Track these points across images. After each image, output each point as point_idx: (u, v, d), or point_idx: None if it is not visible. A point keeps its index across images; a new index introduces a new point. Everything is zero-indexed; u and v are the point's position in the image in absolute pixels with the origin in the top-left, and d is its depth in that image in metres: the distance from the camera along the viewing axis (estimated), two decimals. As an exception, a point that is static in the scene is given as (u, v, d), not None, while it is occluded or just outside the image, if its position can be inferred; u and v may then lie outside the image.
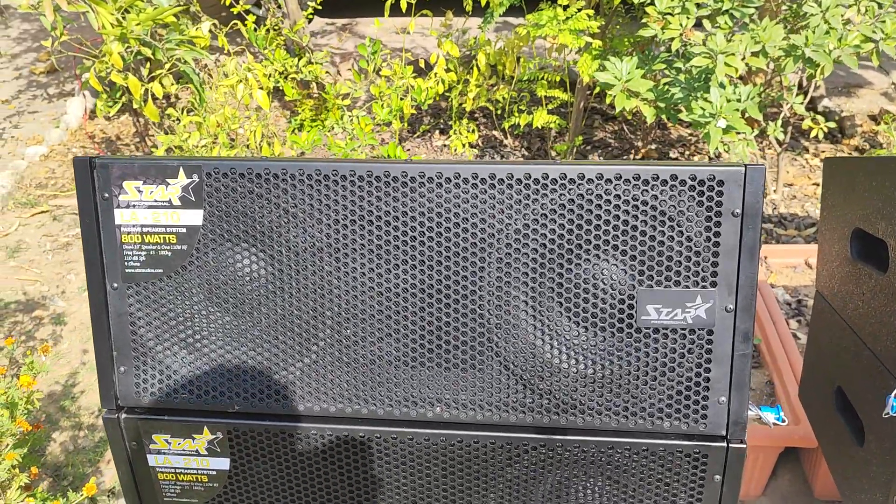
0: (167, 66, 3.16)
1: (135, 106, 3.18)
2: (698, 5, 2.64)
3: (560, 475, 1.13)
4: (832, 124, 3.41)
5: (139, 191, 1.09)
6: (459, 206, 1.04)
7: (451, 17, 4.14)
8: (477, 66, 3.65)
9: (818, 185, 3.54)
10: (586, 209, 1.02)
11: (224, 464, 1.18)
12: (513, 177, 1.02)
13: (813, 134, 3.26)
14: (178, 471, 1.20)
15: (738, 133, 2.69)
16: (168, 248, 1.10)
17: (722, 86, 2.56)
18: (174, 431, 1.17)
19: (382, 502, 1.18)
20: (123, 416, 1.17)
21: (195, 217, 1.09)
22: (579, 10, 2.92)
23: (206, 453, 1.18)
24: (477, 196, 1.03)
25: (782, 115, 3.18)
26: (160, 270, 1.11)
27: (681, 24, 2.62)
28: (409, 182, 1.04)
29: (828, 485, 2.13)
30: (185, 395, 1.15)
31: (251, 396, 1.13)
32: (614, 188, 1.01)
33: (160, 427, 1.17)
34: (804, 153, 3.78)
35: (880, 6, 2.68)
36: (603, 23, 3.23)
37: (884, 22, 2.61)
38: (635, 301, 1.03)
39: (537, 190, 1.02)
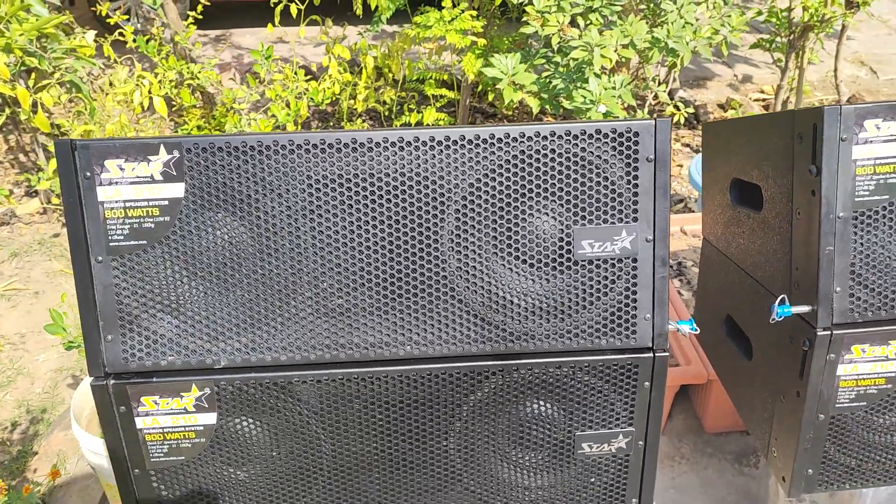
0: (55, 75, 3.12)
1: (22, 117, 3.11)
2: (572, 4, 2.92)
3: (517, 396, 1.30)
4: (691, 110, 3.79)
5: (121, 168, 1.18)
6: (420, 165, 1.19)
7: (330, 25, 4.27)
8: (365, 68, 3.80)
9: (681, 166, 3.93)
10: (528, 162, 1.20)
11: (211, 418, 1.28)
12: (464, 138, 1.19)
13: (675, 120, 3.63)
14: (165, 430, 1.28)
15: (615, 118, 2.98)
16: (151, 220, 1.19)
17: (598, 76, 2.84)
18: (163, 391, 1.25)
19: (362, 438, 1.31)
20: (112, 382, 1.24)
21: (177, 190, 1.19)
22: (463, 11, 3.14)
23: (193, 410, 1.27)
24: (435, 156, 1.19)
25: (647, 103, 3.52)
26: (144, 242, 1.20)
27: (558, 21, 2.88)
28: (374, 147, 1.19)
29: (715, 419, 2.42)
30: (171, 357, 1.24)
31: (236, 352, 1.24)
32: (549, 143, 1.20)
33: (149, 389, 1.25)
34: (666, 139, 4.17)
35: (725, 2, 3.05)
36: (485, 22, 3.47)
37: (729, 16, 2.98)
38: (572, 238, 1.23)
39: (486, 148, 1.19)
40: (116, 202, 1.19)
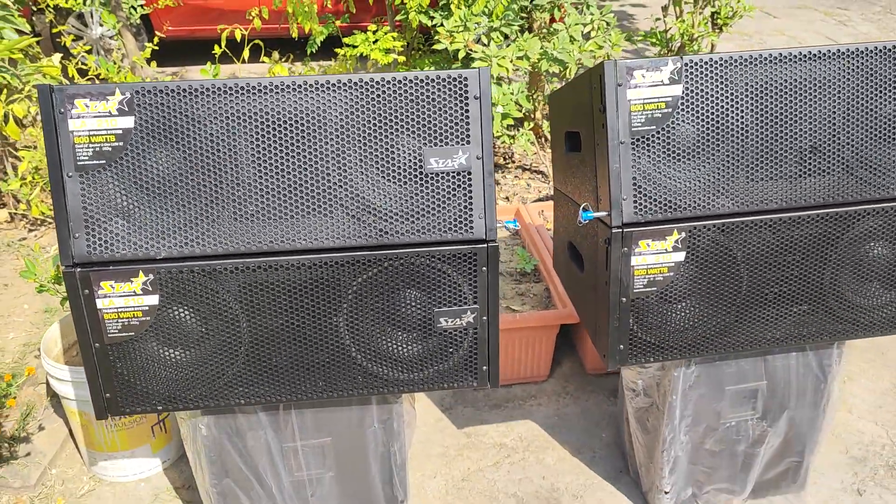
0: (25, 90, 3.53)
1: (-5, 127, 3.51)
2: (476, 24, 3.43)
3: (389, 281, 1.72)
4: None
5: (86, 105, 1.60)
6: (308, 102, 1.63)
7: (276, 57, 4.75)
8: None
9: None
10: (390, 99, 1.65)
11: (154, 300, 1.68)
12: (340, 82, 1.63)
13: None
14: (119, 310, 1.68)
15: (518, 128, 3.47)
16: (109, 145, 1.61)
17: (498, 84, 3.34)
18: (117, 277, 1.65)
19: (272, 315, 1.72)
20: (78, 270, 1.64)
21: (128, 122, 1.61)
22: (386, 32, 3.64)
23: (141, 293, 1.67)
24: (319, 96, 1.63)
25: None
26: (103, 161, 1.62)
27: (464, 39, 3.38)
28: (273, 89, 1.62)
29: (594, 361, 2.86)
30: (124, 250, 1.64)
31: (173, 246, 1.65)
32: (404, 86, 1.65)
33: (106, 275, 1.65)
34: (577, 151, 4.69)
35: (608, 24, 3.59)
36: (406, 42, 3.96)
37: (610, 35, 3.52)
38: (423, 157, 1.67)
39: (357, 90, 1.64)
40: (83, 131, 1.60)
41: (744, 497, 2.31)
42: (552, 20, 3.91)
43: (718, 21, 3.69)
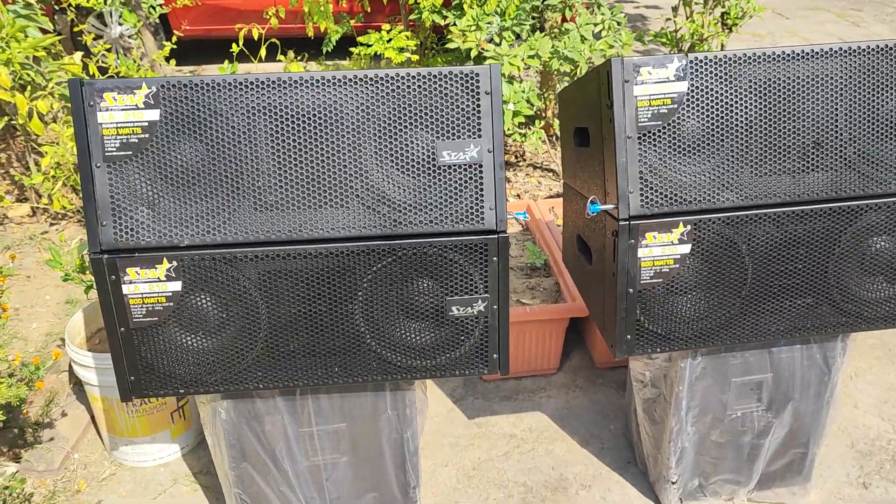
0: (48, 87, 3.61)
1: (20, 122, 3.59)
2: (488, 24, 3.48)
3: (403, 270, 1.78)
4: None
5: (114, 99, 1.67)
6: (329, 97, 1.69)
7: (291, 56, 4.82)
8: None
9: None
10: (404, 94, 1.71)
11: (177, 286, 1.75)
12: (357, 77, 1.70)
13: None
14: (144, 295, 1.75)
15: (529, 126, 3.52)
16: (136, 137, 1.68)
17: (509, 82, 3.39)
18: (142, 264, 1.72)
19: (290, 303, 1.78)
20: (106, 257, 1.71)
21: (154, 115, 1.68)
22: (400, 31, 3.70)
23: (164, 279, 1.74)
24: (338, 90, 1.70)
25: (564, 113, 4.08)
26: (130, 153, 1.69)
27: (477, 38, 3.44)
28: (291, 84, 1.69)
29: (603, 355, 2.91)
30: (149, 238, 1.71)
31: (195, 234, 1.72)
32: (420, 82, 1.71)
33: (132, 262, 1.72)
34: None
35: (619, 24, 3.64)
36: (419, 42, 4.03)
37: (621, 34, 3.57)
38: (436, 150, 1.73)
39: (375, 84, 1.70)
40: (111, 123, 1.67)
41: (749, 488, 2.36)
42: (564, 20, 3.97)
43: (728, 21, 3.73)
